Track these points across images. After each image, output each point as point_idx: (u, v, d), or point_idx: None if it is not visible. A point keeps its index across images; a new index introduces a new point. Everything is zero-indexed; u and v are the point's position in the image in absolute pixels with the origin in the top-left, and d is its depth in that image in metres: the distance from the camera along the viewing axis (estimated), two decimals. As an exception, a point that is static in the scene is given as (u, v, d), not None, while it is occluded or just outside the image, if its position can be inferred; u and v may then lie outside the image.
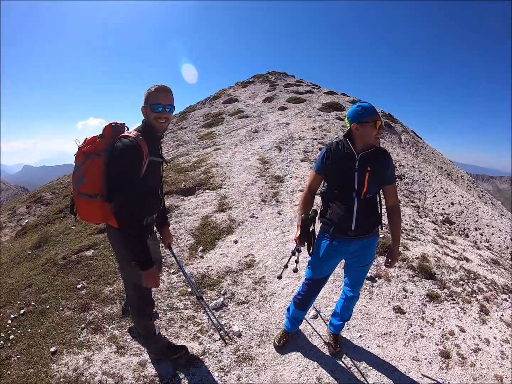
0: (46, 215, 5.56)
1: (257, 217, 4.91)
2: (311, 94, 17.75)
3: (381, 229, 2.29)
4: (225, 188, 5.87)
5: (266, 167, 7.10)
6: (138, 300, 2.19)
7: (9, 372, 2.39)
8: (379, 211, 2.24)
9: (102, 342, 2.70)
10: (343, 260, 2.44)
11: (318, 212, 2.29)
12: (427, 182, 10.31)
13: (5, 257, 4.33)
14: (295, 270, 3.12)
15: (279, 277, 3.02)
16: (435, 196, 9.66)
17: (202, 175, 6.44)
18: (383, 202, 2.28)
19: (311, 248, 2.29)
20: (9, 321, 2.92)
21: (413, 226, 5.77)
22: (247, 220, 4.83)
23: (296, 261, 2.35)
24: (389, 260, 2.34)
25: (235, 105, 17.00)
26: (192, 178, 6.22)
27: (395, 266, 4.08)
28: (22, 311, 3.04)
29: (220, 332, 2.79)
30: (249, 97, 19.46)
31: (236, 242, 4.29)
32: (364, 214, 2.12)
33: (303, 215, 2.19)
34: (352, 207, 2.10)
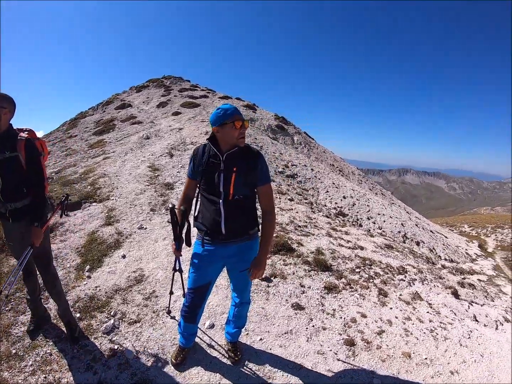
0: None
1: (145, 228, 4.79)
2: (206, 99, 17.96)
3: (260, 231, 2.17)
4: (113, 199, 5.58)
5: (156, 174, 6.99)
6: None
7: None
8: (255, 213, 2.16)
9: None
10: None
11: (193, 215, 2.19)
12: (319, 179, 10.95)
13: None
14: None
15: (169, 312, 3.05)
16: (327, 191, 10.34)
17: (89, 187, 5.99)
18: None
19: (183, 240, 2.21)
20: None
21: (306, 222, 6.08)
22: (135, 232, 4.67)
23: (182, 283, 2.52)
24: (251, 269, 2.08)
25: (128, 110, 16.16)
26: (78, 191, 5.74)
27: (292, 263, 3.98)
28: None
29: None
30: (143, 102, 18.70)
31: (124, 256, 4.08)
32: (234, 217, 2.03)
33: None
34: (220, 210, 2.01)
